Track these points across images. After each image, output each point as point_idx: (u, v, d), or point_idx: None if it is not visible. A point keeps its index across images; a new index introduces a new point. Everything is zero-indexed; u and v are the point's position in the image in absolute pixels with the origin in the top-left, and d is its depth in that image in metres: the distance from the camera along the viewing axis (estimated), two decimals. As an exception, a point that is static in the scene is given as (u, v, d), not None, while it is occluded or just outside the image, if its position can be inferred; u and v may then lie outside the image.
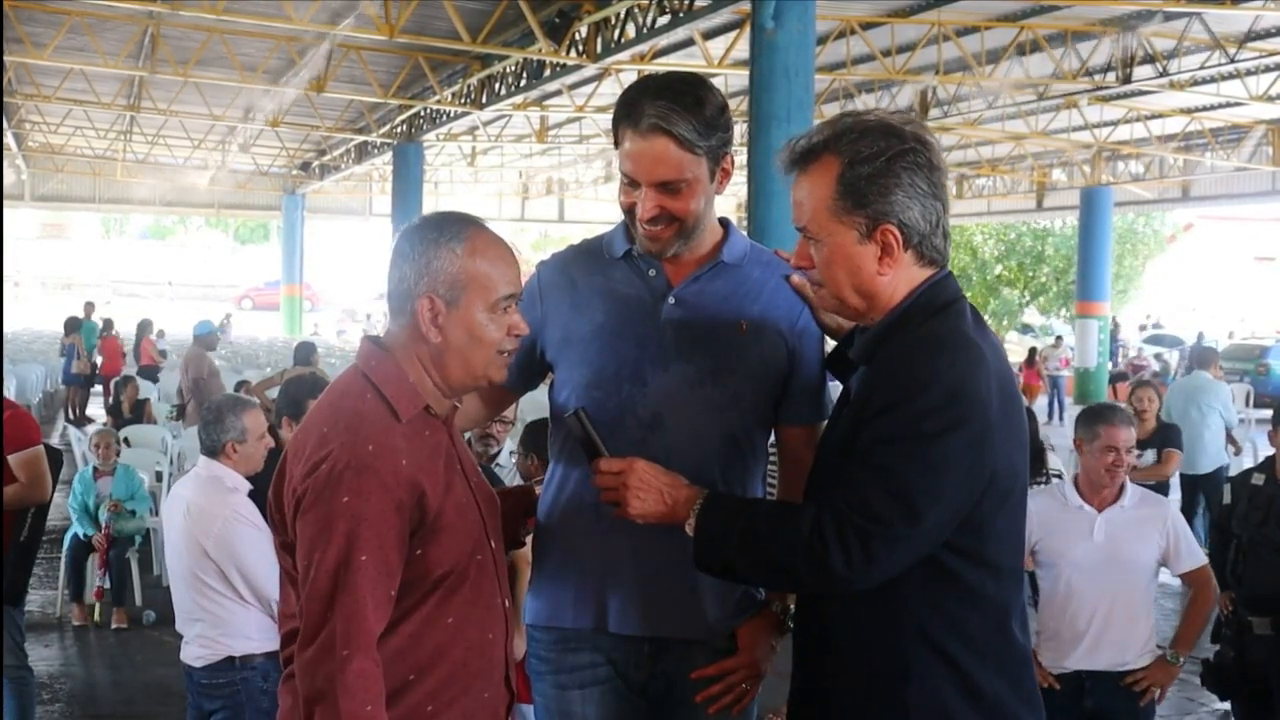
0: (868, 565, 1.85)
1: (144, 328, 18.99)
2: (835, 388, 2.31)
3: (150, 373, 16.86)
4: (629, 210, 2.29)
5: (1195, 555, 4.02)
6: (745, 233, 2.54)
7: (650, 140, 2.21)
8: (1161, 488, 6.91)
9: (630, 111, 2.23)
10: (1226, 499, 4.74)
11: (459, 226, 2.00)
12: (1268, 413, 17.36)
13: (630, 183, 2.27)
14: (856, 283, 1.99)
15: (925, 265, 2.00)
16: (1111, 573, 3.88)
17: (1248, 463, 10.51)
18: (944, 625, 1.94)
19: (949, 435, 1.85)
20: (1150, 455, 7.36)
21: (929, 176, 1.95)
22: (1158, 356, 27.15)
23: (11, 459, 4.54)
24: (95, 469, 7.34)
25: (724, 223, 2.42)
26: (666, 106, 2.19)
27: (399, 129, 21.68)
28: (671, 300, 2.33)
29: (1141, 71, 15.00)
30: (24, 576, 4.83)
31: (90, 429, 11.43)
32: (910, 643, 1.94)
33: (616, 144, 2.28)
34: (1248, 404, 19.56)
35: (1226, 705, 5.21)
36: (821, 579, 1.90)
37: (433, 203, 27.74)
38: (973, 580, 1.95)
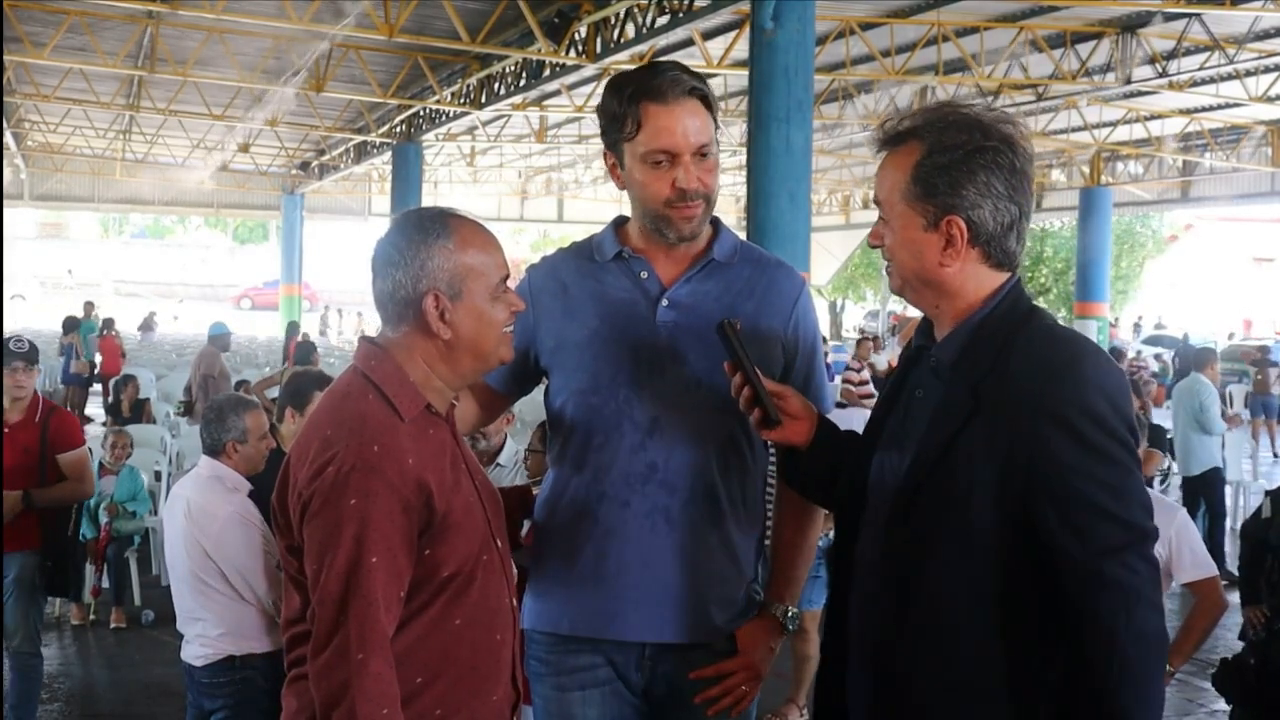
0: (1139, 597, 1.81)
1: (109, 325, 18.82)
2: (833, 387, 2.29)
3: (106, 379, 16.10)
4: (664, 195, 2.25)
5: (1201, 566, 3.97)
6: (745, 233, 2.54)
7: (685, 104, 2.23)
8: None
9: (651, 88, 2.22)
10: (1267, 512, 4.57)
11: (442, 222, 1.99)
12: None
13: (663, 160, 2.23)
14: (918, 268, 1.97)
15: (994, 267, 1.96)
16: None
17: (1245, 463, 10.54)
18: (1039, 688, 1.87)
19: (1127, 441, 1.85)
20: None
21: (1008, 178, 1.91)
22: (1157, 357, 27.16)
23: (60, 459, 4.93)
24: (102, 465, 7.32)
25: (713, 221, 2.40)
26: (686, 72, 2.24)
27: (398, 129, 21.67)
28: (665, 303, 2.33)
29: (1141, 72, 15.00)
30: (74, 571, 5.25)
31: (89, 429, 11.41)
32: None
33: (629, 134, 2.24)
34: (1246, 405, 19.59)
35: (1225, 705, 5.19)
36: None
37: (431, 203, 27.71)
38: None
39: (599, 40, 13.79)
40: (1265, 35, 13.98)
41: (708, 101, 2.27)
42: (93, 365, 17.40)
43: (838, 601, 2.09)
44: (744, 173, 9.47)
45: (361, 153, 25.86)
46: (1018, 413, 1.83)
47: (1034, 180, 1.99)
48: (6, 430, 4.82)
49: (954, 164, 1.90)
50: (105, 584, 7.13)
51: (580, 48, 14.07)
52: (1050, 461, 1.81)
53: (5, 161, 27.36)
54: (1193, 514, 9.06)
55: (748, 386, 2.14)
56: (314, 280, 43.19)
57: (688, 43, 14.66)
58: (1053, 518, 1.81)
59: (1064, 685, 1.84)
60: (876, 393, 12.42)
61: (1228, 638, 6.47)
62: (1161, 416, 12.48)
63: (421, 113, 20.73)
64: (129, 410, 11.30)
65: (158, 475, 8.97)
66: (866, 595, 2.01)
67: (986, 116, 1.94)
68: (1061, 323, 2.01)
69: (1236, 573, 5.17)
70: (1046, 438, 1.81)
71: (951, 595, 1.87)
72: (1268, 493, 4.74)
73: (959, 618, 1.87)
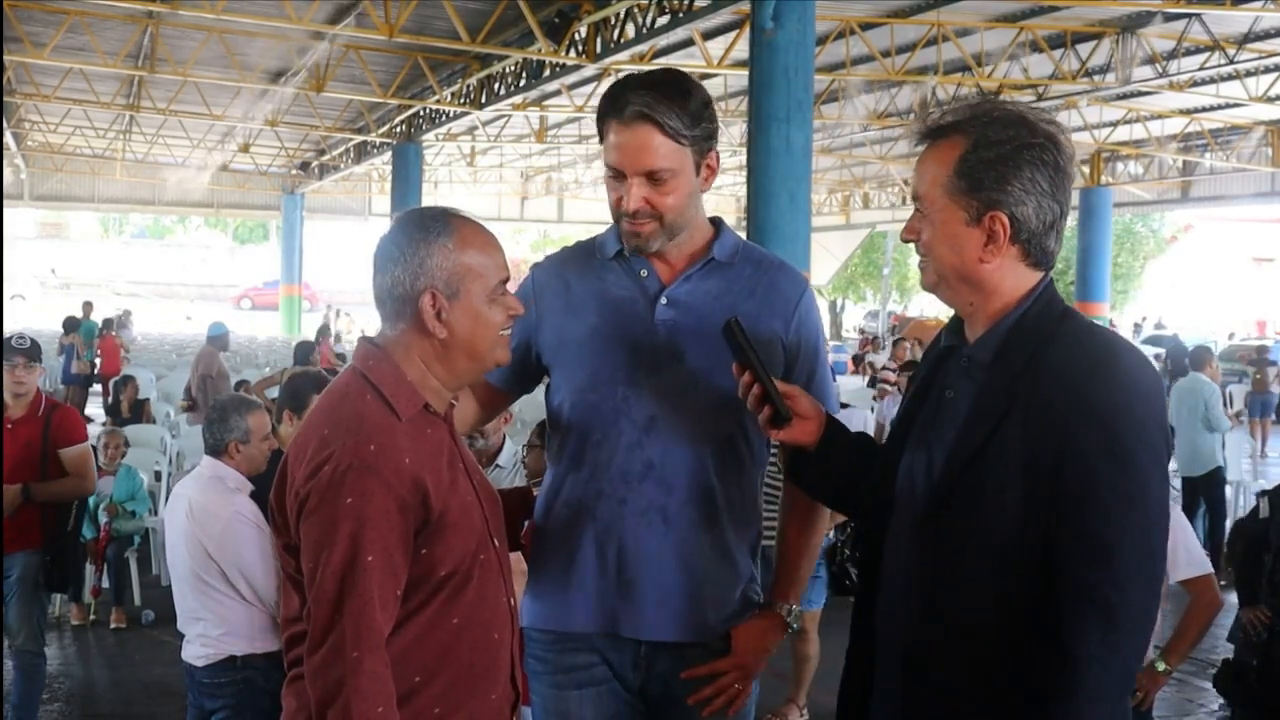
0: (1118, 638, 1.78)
1: (109, 324, 18.73)
2: (837, 385, 2.28)
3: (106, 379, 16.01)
4: (614, 205, 2.29)
5: (1197, 564, 3.95)
6: (745, 233, 2.54)
7: (635, 129, 2.21)
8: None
9: (614, 104, 2.23)
10: (1264, 512, 4.55)
11: (443, 221, 1.99)
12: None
13: (616, 175, 2.26)
14: (957, 263, 1.94)
15: (1032, 265, 1.94)
16: None
17: (1245, 462, 10.54)
18: None
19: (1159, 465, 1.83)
20: None
21: (1051, 176, 1.89)
22: (1157, 357, 27.18)
23: (62, 454, 4.95)
24: (98, 468, 7.32)
25: (715, 221, 2.41)
26: (651, 96, 2.21)
27: (398, 129, 21.69)
28: (664, 301, 2.33)
29: (1141, 72, 15.01)
30: (74, 569, 5.33)
31: (91, 429, 11.41)
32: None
33: (602, 140, 2.28)
34: (1245, 405, 19.60)
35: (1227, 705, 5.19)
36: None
37: (432, 203, 27.72)
38: None
39: (599, 40, 13.80)
40: (1265, 35, 13.98)
41: (665, 129, 2.21)
42: (93, 365, 17.39)
43: (865, 604, 2.06)
44: (744, 173, 9.49)
45: (361, 153, 25.88)
46: (1052, 411, 1.81)
47: (1074, 180, 1.97)
48: (9, 426, 4.83)
49: (1000, 159, 1.88)
50: (105, 584, 7.12)
51: (580, 48, 14.08)
52: (1078, 462, 1.78)
53: (5, 161, 27.37)
54: (1193, 514, 9.05)
55: (757, 385, 2.14)
56: (314, 280, 43.23)
57: (688, 43, 14.67)
58: (1067, 519, 1.79)
59: (1007, 678, 1.81)
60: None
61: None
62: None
63: (421, 113, 20.75)
64: (129, 410, 11.31)
65: (158, 475, 8.98)
66: (896, 597, 1.98)
67: (1030, 113, 1.93)
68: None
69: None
70: (1078, 436, 1.78)
71: (985, 597, 1.85)
72: (1265, 492, 4.73)
73: (992, 619, 1.84)
